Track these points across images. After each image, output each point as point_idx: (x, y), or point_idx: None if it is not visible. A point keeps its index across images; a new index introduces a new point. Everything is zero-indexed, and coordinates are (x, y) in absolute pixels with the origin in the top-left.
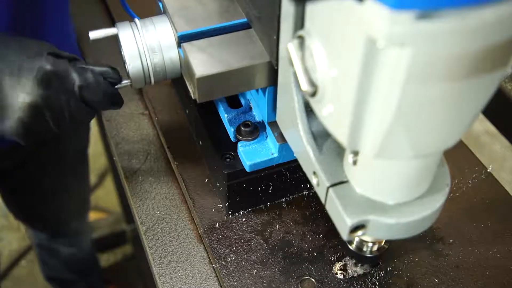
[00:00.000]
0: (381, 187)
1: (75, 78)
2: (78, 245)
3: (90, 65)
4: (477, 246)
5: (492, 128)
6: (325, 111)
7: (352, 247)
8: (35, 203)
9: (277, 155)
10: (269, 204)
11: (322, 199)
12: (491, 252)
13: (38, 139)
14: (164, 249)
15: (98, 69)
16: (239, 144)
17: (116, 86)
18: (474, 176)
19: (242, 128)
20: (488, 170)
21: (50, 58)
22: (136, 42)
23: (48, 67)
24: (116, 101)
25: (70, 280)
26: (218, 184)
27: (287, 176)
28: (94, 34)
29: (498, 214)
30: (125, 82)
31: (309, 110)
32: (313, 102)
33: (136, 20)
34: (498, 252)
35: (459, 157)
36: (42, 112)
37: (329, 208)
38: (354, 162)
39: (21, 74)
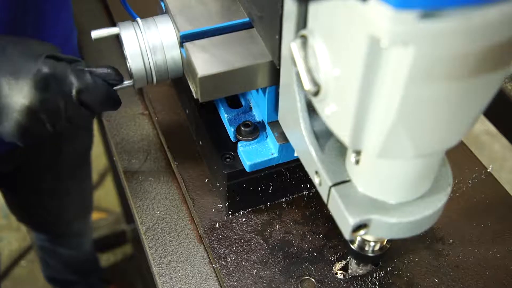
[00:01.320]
0: (383, 186)
1: (74, 81)
2: (79, 246)
3: (90, 67)
4: (477, 246)
5: (492, 128)
6: (327, 111)
7: (354, 246)
8: (36, 205)
9: (277, 155)
10: (269, 204)
11: (324, 199)
12: (491, 252)
13: (35, 141)
14: (164, 249)
15: (98, 71)
16: (239, 144)
17: (118, 87)
18: (474, 176)
19: (242, 128)
20: (488, 170)
21: (48, 61)
22: (138, 42)
23: (45, 70)
24: (114, 103)
25: (70, 280)
26: (218, 184)
27: (287, 176)
28: (96, 34)
29: (498, 214)
30: (126, 83)
31: (311, 110)
32: (315, 101)
33: (138, 19)
34: (498, 252)
35: (459, 157)
36: (39, 114)
37: (331, 207)
38: (357, 162)
39: (19, 76)
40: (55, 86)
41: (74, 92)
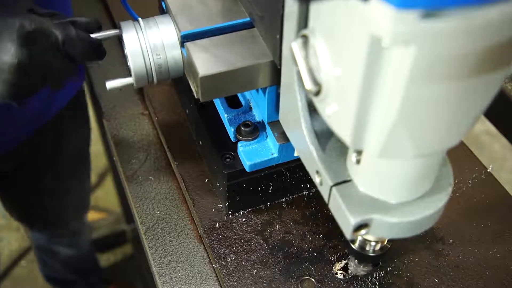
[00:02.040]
0: (384, 186)
1: (58, 33)
2: (77, 245)
3: (71, 18)
4: (477, 246)
5: (492, 128)
6: (328, 110)
7: (355, 246)
8: (34, 204)
9: (277, 155)
10: (269, 204)
11: (326, 198)
12: (491, 252)
13: (26, 97)
14: (164, 249)
15: (79, 21)
16: (239, 144)
17: (100, 36)
18: (474, 176)
19: (242, 128)
20: (488, 170)
21: (30, 16)
22: (139, 42)
23: (29, 25)
24: (98, 54)
25: (70, 280)
26: (218, 184)
27: (287, 176)
28: (111, 84)
29: (498, 214)
30: (108, 32)
31: (312, 109)
32: (316, 101)
33: (140, 19)
34: (498, 252)
35: (459, 157)
36: (29, 70)
37: (332, 207)
38: (358, 161)
39: (3, 35)
40: (41, 40)
41: (60, 44)
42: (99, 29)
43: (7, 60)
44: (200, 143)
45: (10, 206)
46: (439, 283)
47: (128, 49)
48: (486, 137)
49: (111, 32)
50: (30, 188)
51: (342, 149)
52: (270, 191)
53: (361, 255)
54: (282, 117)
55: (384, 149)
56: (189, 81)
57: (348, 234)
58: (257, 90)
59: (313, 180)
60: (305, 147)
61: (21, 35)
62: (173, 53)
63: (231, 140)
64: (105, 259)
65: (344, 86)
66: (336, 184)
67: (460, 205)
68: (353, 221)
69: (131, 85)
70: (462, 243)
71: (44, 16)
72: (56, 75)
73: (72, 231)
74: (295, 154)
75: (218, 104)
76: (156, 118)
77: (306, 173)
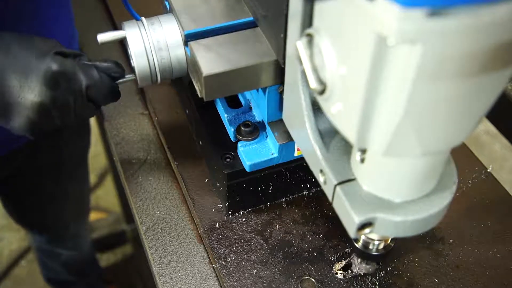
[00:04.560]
0: (389, 184)
1: (82, 77)
2: (78, 247)
3: (95, 61)
4: (477, 246)
5: (492, 128)
6: (333, 109)
7: (359, 245)
8: (34, 208)
9: (277, 155)
10: (269, 204)
11: (329, 197)
12: (491, 252)
13: (44, 133)
14: (164, 249)
15: (103, 65)
16: (239, 144)
17: (121, 81)
18: (474, 176)
19: (242, 128)
20: (488, 170)
21: (57, 58)
22: (143, 41)
23: (55, 67)
24: (115, 96)
25: (70, 281)
26: (218, 184)
27: (287, 176)
28: (102, 37)
29: (498, 214)
30: (129, 76)
31: (316, 108)
32: (321, 100)
33: (143, 19)
34: (498, 252)
35: (459, 157)
36: (50, 111)
37: (336, 206)
38: (362, 160)
39: (29, 74)
40: (65, 83)
41: (83, 88)
42: (122, 72)
43: (30, 98)
44: (200, 143)
45: (10, 209)
46: (439, 283)
47: (132, 49)
48: (486, 137)
49: (132, 76)
50: (29, 192)
51: (346, 148)
52: (270, 191)
53: (365, 254)
54: (286, 116)
55: (389, 148)
56: (193, 80)
57: (352, 233)
58: (257, 90)
59: (317, 179)
60: (309, 146)
61: (45, 77)
62: (176, 53)
63: (231, 140)
64: (105, 259)
65: (349, 84)
66: (340, 183)
67: (460, 205)
68: (357, 219)
69: (123, 38)
70: (462, 243)
71: (69, 57)
72: (76, 116)
73: (73, 233)
74: (298, 154)
75: (218, 104)
76: (156, 118)
77: (306, 173)
